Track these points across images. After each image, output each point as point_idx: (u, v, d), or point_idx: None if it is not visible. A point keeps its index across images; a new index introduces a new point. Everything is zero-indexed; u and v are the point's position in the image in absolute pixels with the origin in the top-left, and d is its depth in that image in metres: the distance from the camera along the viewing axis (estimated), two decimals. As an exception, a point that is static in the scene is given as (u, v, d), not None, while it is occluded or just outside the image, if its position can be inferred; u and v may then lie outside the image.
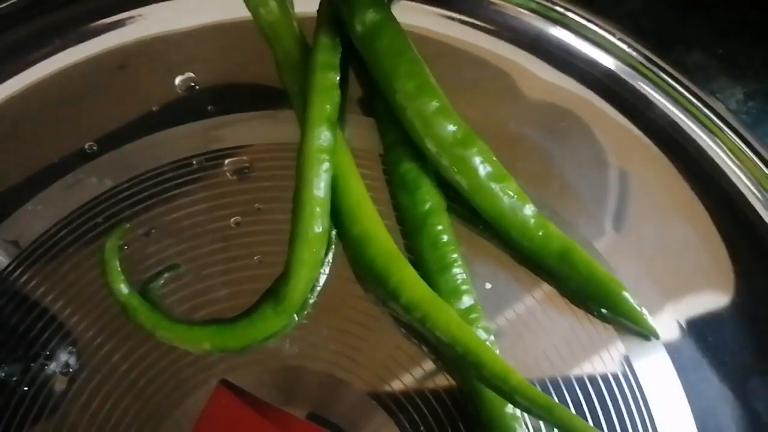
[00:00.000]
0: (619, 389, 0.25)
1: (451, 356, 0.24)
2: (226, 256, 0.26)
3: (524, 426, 0.24)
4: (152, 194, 0.27)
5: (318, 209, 0.25)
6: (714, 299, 0.27)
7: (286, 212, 0.26)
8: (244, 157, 0.28)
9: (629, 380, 0.25)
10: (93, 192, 0.27)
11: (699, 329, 0.26)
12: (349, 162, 0.27)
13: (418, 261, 0.26)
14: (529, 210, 0.26)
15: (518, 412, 0.24)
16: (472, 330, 0.24)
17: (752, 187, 0.29)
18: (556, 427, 0.23)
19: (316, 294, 0.26)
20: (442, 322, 0.23)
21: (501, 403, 0.24)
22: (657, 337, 0.26)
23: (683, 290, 0.27)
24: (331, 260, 0.26)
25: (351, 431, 0.24)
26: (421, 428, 0.24)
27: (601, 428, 0.25)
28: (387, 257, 0.25)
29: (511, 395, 0.22)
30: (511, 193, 0.26)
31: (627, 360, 0.26)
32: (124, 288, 0.25)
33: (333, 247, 0.26)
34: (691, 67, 0.31)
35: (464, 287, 0.26)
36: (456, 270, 0.26)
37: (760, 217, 0.28)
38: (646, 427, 0.25)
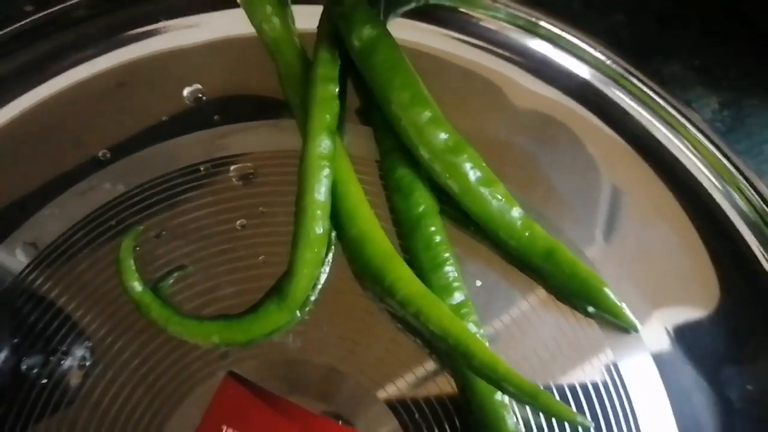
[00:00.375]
0: (602, 381, 0.26)
1: (444, 348, 0.24)
2: (232, 256, 0.27)
3: (512, 413, 0.24)
4: (162, 199, 0.27)
5: (319, 212, 0.26)
6: (690, 297, 0.27)
7: (288, 215, 0.27)
8: (249, 164, 0.28)
9: (611, 373, 0.26)
10: (106, 197, 0.27)
11: (677, 325, 0.27)
12: (348, 168, 0.27)
13: (412, 260, 0.27)
14: (516, 212, 0.27)
15: (507, 399, 0.24)
16: (463, 323, 0.24)
17: (722, 189, 0.29)
18: (542, 412, 0.24)
19: (317, 291, 0.26)
20: (434, 317, 0.24)
21: (490, 392, 0.24)
22: (636, 330, 0.26)
23: (663, 289, 0.27)
24: (331, 260, 0.27)
25: (351, 419, 0.25)
26: (416, 416, 0.25)
27: (584, 412, 0.25)
28: (384, 257, 0.26)
29: (499, 383, 0.23)
30: (500, 197, 0.27)
31: (610, 355, 0.26)
32: (138, 285, 0.25)
33: (333, 247, 0.27)
34: (668, 78, 0.32)
35: (456, 284, 0.26)
36: (448, 268, 0.26)
37: (733, 223, 0.29)
38: (626, 413, 0.25)
